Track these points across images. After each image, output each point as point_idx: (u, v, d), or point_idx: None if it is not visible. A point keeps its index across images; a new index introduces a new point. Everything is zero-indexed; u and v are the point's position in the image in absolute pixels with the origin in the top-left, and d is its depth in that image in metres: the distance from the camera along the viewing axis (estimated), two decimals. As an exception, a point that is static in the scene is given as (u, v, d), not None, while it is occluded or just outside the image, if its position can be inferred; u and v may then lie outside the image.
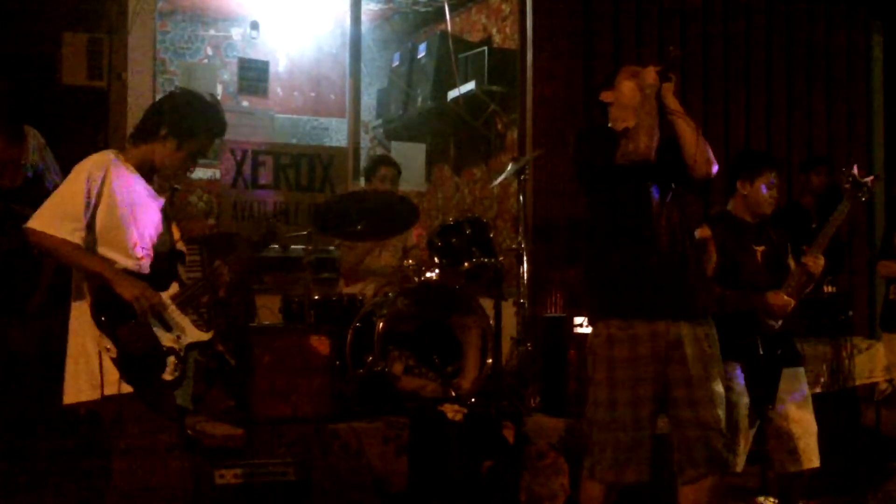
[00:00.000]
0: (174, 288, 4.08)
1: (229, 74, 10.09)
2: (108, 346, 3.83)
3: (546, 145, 8.10)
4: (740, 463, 5.24)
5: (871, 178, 5.38)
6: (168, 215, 4.30)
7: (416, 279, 6.61)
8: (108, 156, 4.10)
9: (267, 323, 6.73)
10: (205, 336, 4.12)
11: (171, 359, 3.94)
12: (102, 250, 3.98)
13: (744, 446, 5.25)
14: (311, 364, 5.88)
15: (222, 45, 10.11)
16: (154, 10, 8.38)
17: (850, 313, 7.06)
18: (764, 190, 5.39)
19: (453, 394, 6.26)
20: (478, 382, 6.36)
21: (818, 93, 9.22)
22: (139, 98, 8.08)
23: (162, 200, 4.25)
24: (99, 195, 3.97)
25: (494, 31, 9.88)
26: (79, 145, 7.41)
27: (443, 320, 6.47)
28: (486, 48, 9.55)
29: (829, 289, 6.92)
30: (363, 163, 9.43)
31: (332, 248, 7.82)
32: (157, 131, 4.15)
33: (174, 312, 4.05)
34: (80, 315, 3.98)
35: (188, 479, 4.02)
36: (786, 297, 5.18)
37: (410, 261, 6.87)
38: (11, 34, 7.69)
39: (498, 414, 6.13)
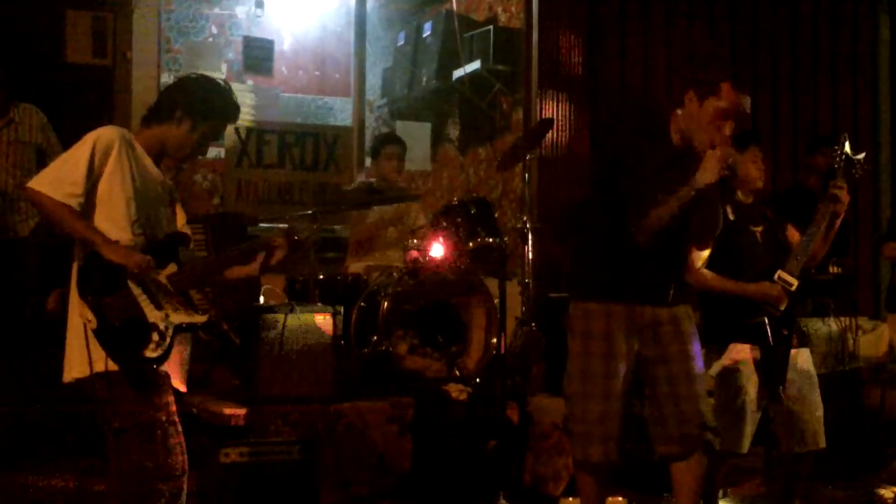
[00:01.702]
0: (171, 268, 4.02)
1: (234, 53, 10.05)
2: (90, 317, 3.80)
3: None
4: (745, 444, 5.25)
5: (863, 154, 5.36)
6: (174, 199, 4.28)
7: (421, 259, 6.60)
8: (119, 130, 4.07)
9: (272, 302, 6.73)
10: (199, 318, 4.03)
11: (154, 335, 3.87)
12: (98, 220, 3.94)
13: (750, 428, 5.25)
14: (315, 343, 5.88)
15: (227, 24, 10.06)
16: (158, -12, 8.38)
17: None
18: (751, 165, 5.38)
19: (457, 374, 6.28)
20: (482, 362, 6.37)
21: (823, 75, 9.17)
22: (143, 76, 8.08)
23: (169, 184, 4.22)
24: (103, 164, 3.94)
25: (500, 9, 9.84)
26: (83, 123, 7.37)
27: (447, 300, 6.48)
28: (491, 27, 9.51)
29: (834, 269, 6.91)
30: (368, 142, 9.43)
31: (337, 227, 7.83)
32: (171, 113, 4.12)
33: (167, 291, 3.98)
34: (73, 288, 3.96)
35: (184, 458, 3.97)
36: (776, 289, 5.16)
37: (415, 240, 6.87)
38: (16, 12, 7.68)
39: (502, 394, 6.13)
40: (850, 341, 6.85)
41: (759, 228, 5.37)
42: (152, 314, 3.89)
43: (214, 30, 9.97)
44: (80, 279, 3.88)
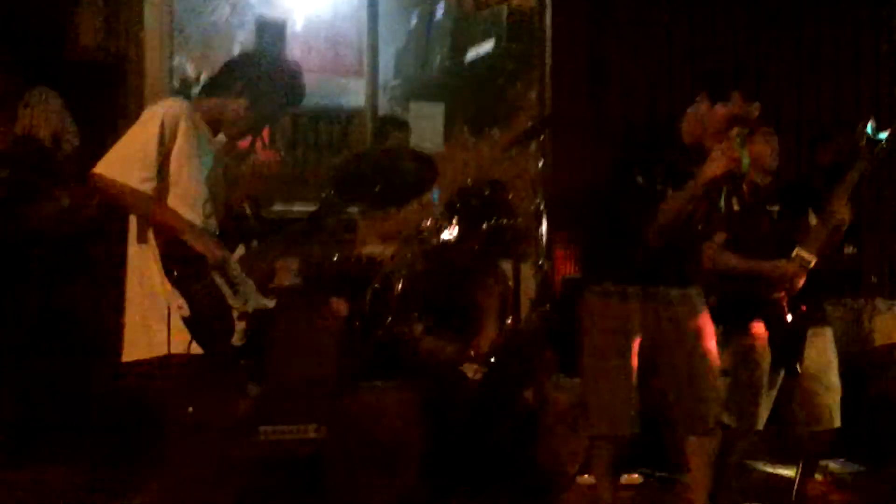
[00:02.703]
0: (240, 250, 3.90)
1: (246, 34, 10.05)
2: (181, 304, 3.61)
3: (565, 105, 8.08)
4: (760, 421, 5.27)
5: (889, 130, 5.32)
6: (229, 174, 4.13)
7: (435, 240, 6.60)
8: (182, 103, 3.89)
9: (285, 283, 6.73)
10: (270, 303, 3.90)
11: (243, 323, 3.74)
12: (171, 202, 3.77)
13: (765, 406, 5.27)
14: (329, 326, 5.89)
15: (239, 5, 10.05)
16: (171, -31, 8.35)
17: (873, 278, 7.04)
18: (763, 144, 5.37)
19: (472, 355, 6.27)
20: (496, 344, 6.37)
21: (825, 67, 9.06)
22: (155, 58, 8.06)
23: (225, 158, 4.06)
24: (171, 141, 3.75)
25: (513, -11, 9.83)
26: (95, 107, 7.40)
27: (462, 282, 6.47)
28: (504, 7, 9.50)
29: (849, 250, 6.88)
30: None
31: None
32: (231, 86, 3.97)
33: (241, 276, 3.83)
34: (143, 266, 3.77)
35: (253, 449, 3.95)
36: (793, 272, 5.16)
37: (429, 222, 6.86)
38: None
39: (516, 375, 6.14)
40: (865, 322, 6.83)
41: (776, 208, 5.37)
42: (234, 301, 3.76)
43: (227, 10, 9.96)
44: (165, 267, 3.67)
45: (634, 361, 4.54)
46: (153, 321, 3.73)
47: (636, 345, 4.54)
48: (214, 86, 4.03)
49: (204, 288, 3.67)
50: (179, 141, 3.77)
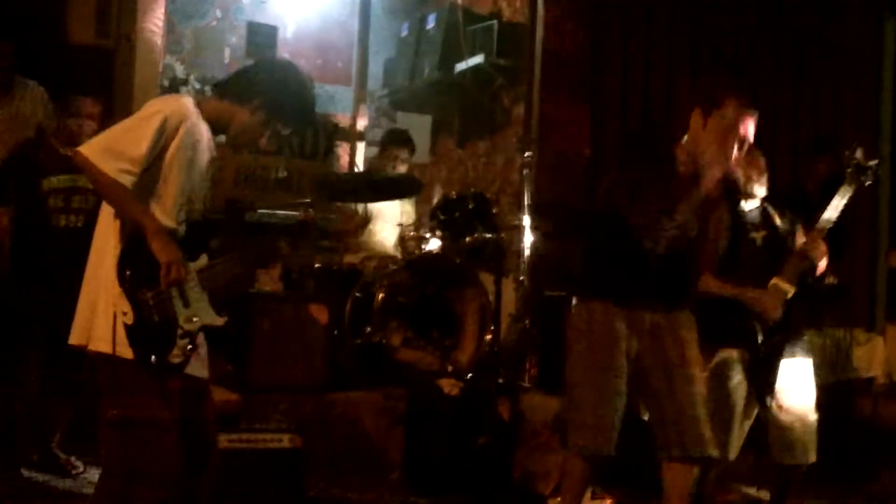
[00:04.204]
0: (203, 260, 3.78)
1: (237, 38, 10.01)
2: (126, 311, 3.53)
3: (552, 122, 8.08)
4: (733, 450, 5.23)
5: (876, 161, 5.32)
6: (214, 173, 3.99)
7: (418, 251, 6.60)
8: (189, 105, 3.78)
9: (267, 290, 6.72)
10: (219, 321, 3.76)
11: (184, 342, 3.62)
12: (153, 201, 3.67)
13: (738, 434, 5.23)
14: (309, 333, 5.88)
15: (231, 8, 10.01)
16: (164, -30, 8.34)
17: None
18: (750, 167, 5.34)
19: (450, 368, 6.27)
20: (475, 357, 6.37)
21: (826, 81, 9.13)
22: (146, 59, 8.04)
23: (215, 158, 3.92)
24: (168, 142, 3.65)
25: (504, 4, 9.80)
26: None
27: (443, 294, 6.47)
28: (495, 22, 9.48)
29: (830, 280, 6.90)
30: (367, 132, 9.40)
31: (333, 216, 7.81)
32: (250, 98, 3.85)
33: (196, 288, 3.71)
34: (105, 258, 3.66)
35: (177, 466, 3.65)
36: (771, 302, 5.14)
37: (412, 232, 6.87)
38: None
39: (494, 390, 6.13)
40: (844, 353, 6.83)
41: (761, 234, 5.33)
42: (182, 315, 3.65)
43: (219, 13, 9.93)
44: (120, 265, 3.59)
45: (620, 382, 4.49)
46: (100, 315, 3.63)
47: (623, 365, 4.49)
48: (227, 90, 3.92)
49: (153, 298, 3.59)
50: (177, 142, 3.68)
